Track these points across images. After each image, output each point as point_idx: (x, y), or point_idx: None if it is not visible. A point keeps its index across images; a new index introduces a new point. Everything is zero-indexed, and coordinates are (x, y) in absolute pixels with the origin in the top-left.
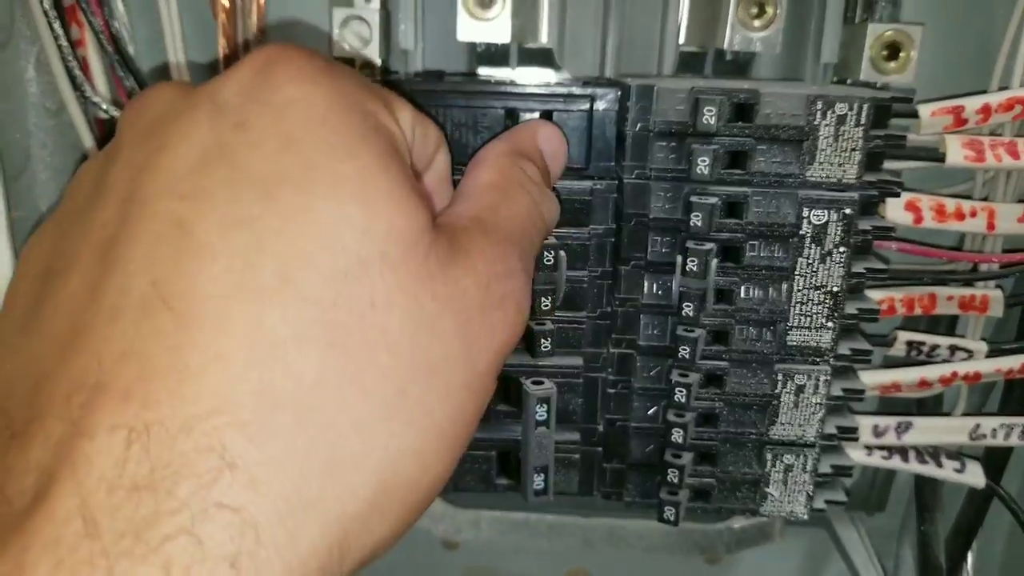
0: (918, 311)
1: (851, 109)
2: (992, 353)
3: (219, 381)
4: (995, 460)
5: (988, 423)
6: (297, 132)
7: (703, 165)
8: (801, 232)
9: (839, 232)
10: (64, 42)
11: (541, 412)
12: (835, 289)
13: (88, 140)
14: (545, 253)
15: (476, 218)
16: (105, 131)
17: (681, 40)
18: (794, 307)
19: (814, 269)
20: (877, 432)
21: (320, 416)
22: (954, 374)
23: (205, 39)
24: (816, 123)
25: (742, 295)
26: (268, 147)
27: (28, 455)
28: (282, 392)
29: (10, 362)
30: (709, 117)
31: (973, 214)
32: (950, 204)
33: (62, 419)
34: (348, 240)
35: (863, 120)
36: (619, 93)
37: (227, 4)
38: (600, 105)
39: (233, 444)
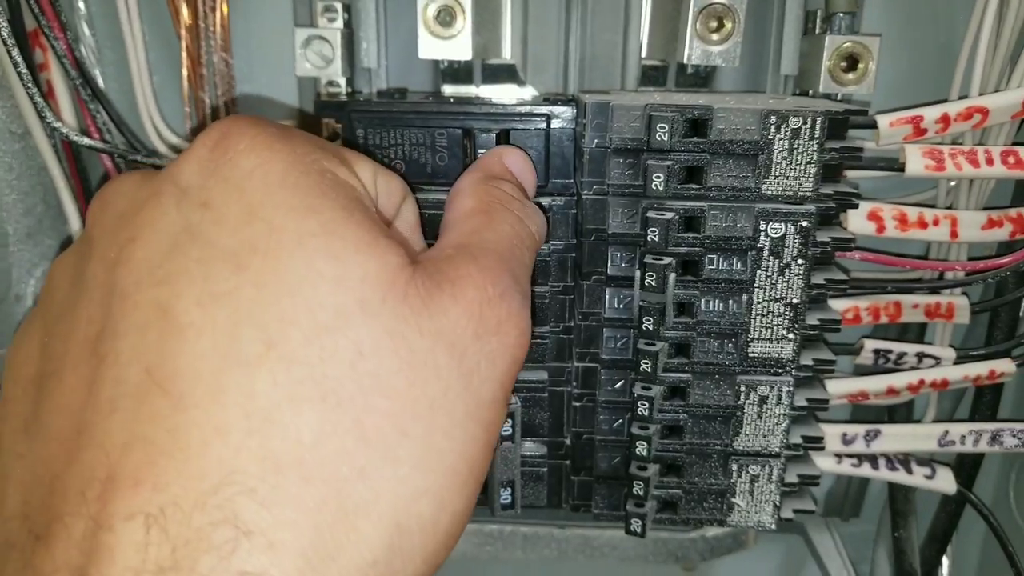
0: (884, 319)
1: (805, 123)
2: (960, 360)
3: (222, 453)
4: (967, 466)
5: (957, 429)
6: (258, 200)
7: (658, 181)
8: (759, 245)
9: (796, 244)
10: (24, 70)
11: (506, 427)
12: (795, 301)
13: (54, 164)
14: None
15: (460, 246)
16: (72, 153)
17: (643, 54)
18: (754, 319)
19: (773, 281)
20: (846, 440)
21: (324, 470)
22: (921, 381)
23: (171, 60)
24: (770, 137)
25: (703, 308)
26: (233, 221)
27: (55, 555)
28: (284, 453)
29: (19, 467)
30: (662, 134)
31: (936, 223)
32: (912, 213)
33: (81, 515)
34: (323, 294)
35: (817, 133)
36: (575, 110)
37: (188, 21)
38: (556, 123)
39: (245, 512)
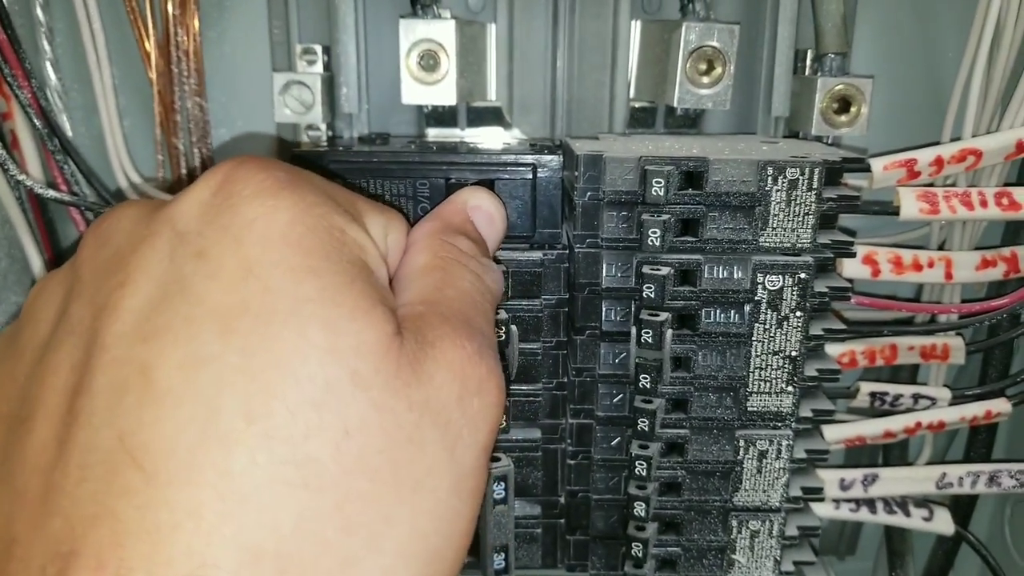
0: (880, 362)
1: (803, 174)
2: (956, 400)
3: (193, 540)
4: (962, 505)
5: (954, 471)
6: (257, 256)
7: (654, 236)
8: (756, 298)
9: (795, 297)
10: None
11: (499, 490)
12: (793, 353)
13: (18, 217)
14: (495, 329)
15: (428, 303)
16: (38, 205)
17: (631, 95)
18: (753, 372)
19: (771, 334)
20: (844, 485)
21: (304, 563)
22: (918, 424)
23: (142, 103)
24: (767, 188)
25: (700, 362)
26: (227, 277)
27: None
28: (260, 542)
29: None
30: (658, 188)
31: (931, 265)
32: (907, 256)
33: None
34: (313, 366)
35: (815, 184)
36: (562, 159)
37: (161, 66)
38: (543, 172)
39: None
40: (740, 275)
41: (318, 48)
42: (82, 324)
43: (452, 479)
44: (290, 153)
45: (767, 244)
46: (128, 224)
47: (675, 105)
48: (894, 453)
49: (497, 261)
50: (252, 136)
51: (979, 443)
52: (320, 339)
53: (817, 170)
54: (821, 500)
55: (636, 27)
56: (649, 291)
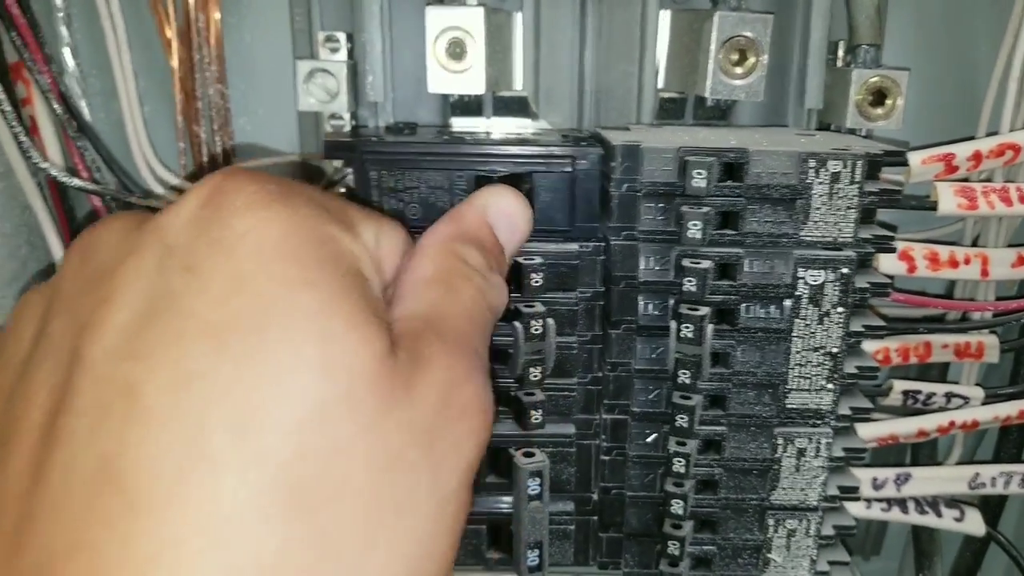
0: (913, 360)
1: (845, 166)
2: (989, 399)
3: (174, 571)
4: (992, 505)
5: (987, 471)
6: (249, 268)
7: (695, 229)
8: (797, 293)
9: (837, 292)
10: (8, 107)
11: (534, 486)
12: (834, 350)
13: (39, 203)
14: (532, 322)
15: (426, 320)
16: (57, 190)
17: (660, 85)
18: (792, 369)
19: (812, 330)
20: (876, 485)
21: None
22: (951, 423)
23: (161, 89)
24: (809, 181)
25: (739, 358)
26: (218, 291)
27: None
28: (243, 571)
29: None
30: (699, 179)
31: (967, 261)
32: (943, 252)
33: None
34: (306, 384)
35: (858, 176)
36: (601, 153)
37: (182, 53)
38: (582, 165)
39: None
40: (781, 269)
41: (341, 36)
42: (64, 341)
43: (435, 502)
44: (324, 142)
45: (808, 238)
46: (114, 238)
47: (707, 96)
48: (923, 452)
49: (518, 266)
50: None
51: (1009, 443)
52: (314, 355)
53: (860, 163)
54: (858, 499)
55: (666, 16)
56: (690, 285)
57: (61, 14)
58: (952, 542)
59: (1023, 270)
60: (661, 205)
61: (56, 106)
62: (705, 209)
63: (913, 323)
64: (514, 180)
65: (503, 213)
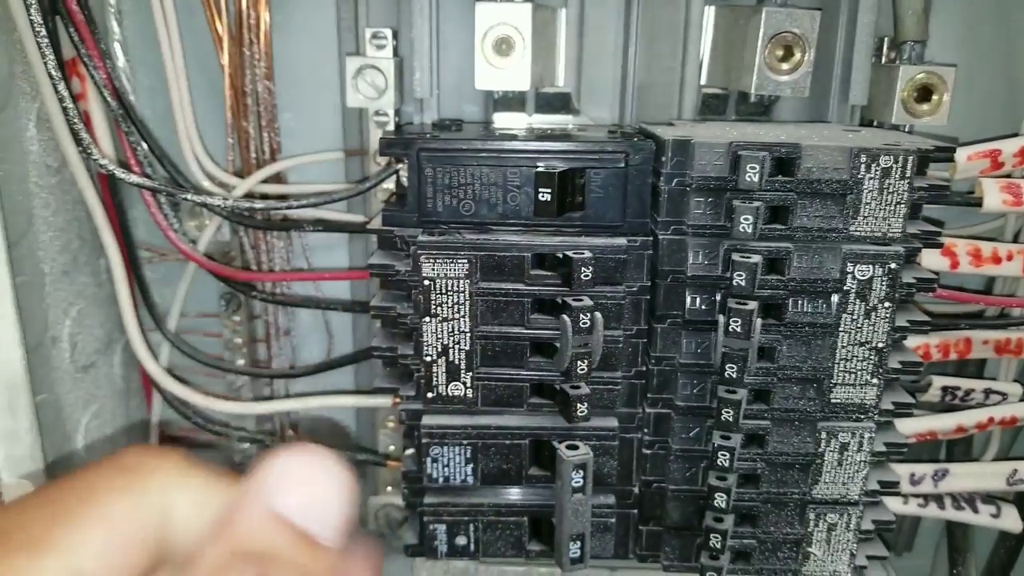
0: (953, 356)
1: (896, 162)
2: None
3: None
4: None
5: None
6: None
7: (746, 223)
8: (845, 288)
9: (884, 287)
10: (69, 104)
11: (577, 478)
12: (880, 345)
13: (93, 198)
14: (581, 316)
15: None
16: (108, 184)
17: (703, 81)
18: (838, 364)
19: (859, 325)
20: (914, 480)
21: None
22: (990, 419)
23: (208, 85)
24: (860, 176)
25: (785, 352)
26: None
27: None
28: None
29: None
30: (752, 174)
31: (1009, 258)
32: (986, 248)
33: None
34: None
35: (908, 172)
36: (653, 147)
37: (232, 49)
38: (635, 160)
39: None
40: (830, 264)
41: (388, 32)
42: None
43: None
44: (379, 139)
45: (857, 233)
46: None
47: (752, 91)
48: (959, 448)
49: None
50: (316, 118)
51: None
52: None
53: (911, 158)
54: (898, 494)
55: (709, 12)
56: (739, 279)
57: (113, 10)
58: (985, 539)
59: None
60: (711, 199)
61: (111, 101)
62: (756, 204)
63: (953, 319)
64: (567, 176)
65: (303, 505)
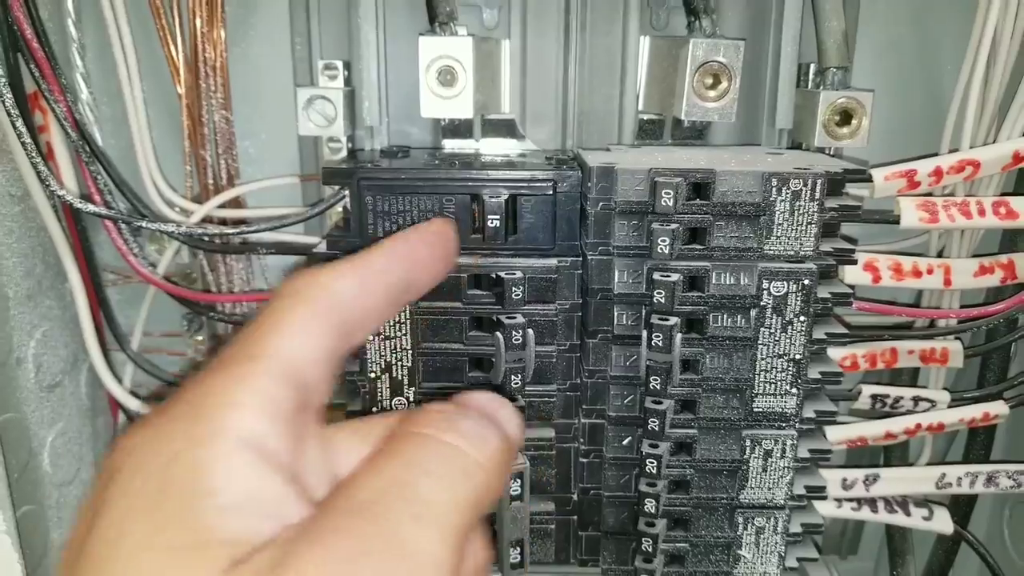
0: (880, 365)
1: (805, 185)
2: (955, 403)
3: None
4: (962, 504)
5: (953, 472)
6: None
7: (663, 244)
8: (762, 303)
9: (799, 302)
10: (27, 139)
11: (515, 487)
12: (797, 356)
13: (54, 225)
14: (513, 333)
15: (302, 528)
16: (71, 212)
17: (640, 107)
18: (758, 375)
19: (776, 338)
20: (846, 485)
21: None
22: (918, 426)
23: (169, 114)
24: (772, 199)
25: (708, 364)
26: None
27: None
28: None
29: None
30: (667, 199)
31: (930, 271)
32: (907, 263)
33: None
34: None
35: (817, 194)
36: (580, 175)
37: (189, 81)
38: (562, 187)
39: None
40: (746, 281)
41: (339, 63)
42: None
43: None
44: (322, 169)
45: (772, 252)
46: None
47: (683, 118)
48: (895, 454)
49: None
50: (273, 146)
51: (978, 445)
52: None
53: (819, 181)
54: (824, 498)
55: (645, 43)
56: (659, 296)
57: (75, 44)
58: (926, 542)
59: (985, 279)
60: (634, 222)
61: (72, 133)
62: (673, 226)
63: (881, 331)
64: (505, 206)
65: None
